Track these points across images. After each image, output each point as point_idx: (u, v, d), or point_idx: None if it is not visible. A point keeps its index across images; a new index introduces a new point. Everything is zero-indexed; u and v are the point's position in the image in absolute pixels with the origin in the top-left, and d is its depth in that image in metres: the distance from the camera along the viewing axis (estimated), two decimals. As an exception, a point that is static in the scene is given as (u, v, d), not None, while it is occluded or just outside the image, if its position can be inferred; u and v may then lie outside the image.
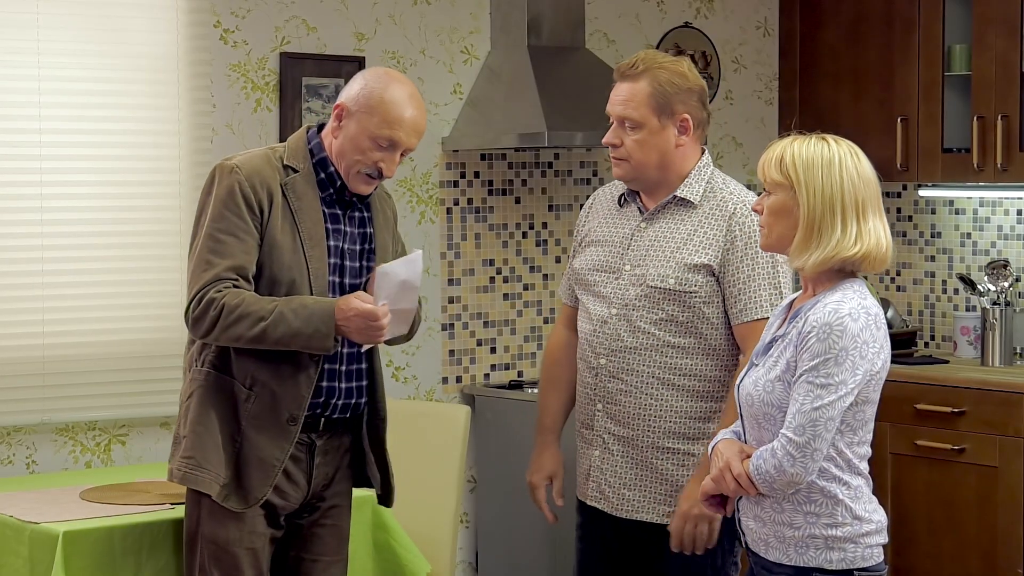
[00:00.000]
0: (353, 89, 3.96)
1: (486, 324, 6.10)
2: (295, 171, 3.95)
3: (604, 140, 4.07)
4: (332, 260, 3.96)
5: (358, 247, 4.02)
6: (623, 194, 4.15)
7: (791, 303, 3.53)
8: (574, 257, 4.24)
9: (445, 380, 6.02)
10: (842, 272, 3.39)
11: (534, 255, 6.20)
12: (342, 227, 3.99)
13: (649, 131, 4.00)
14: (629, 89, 4.01)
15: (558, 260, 6.25)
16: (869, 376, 3.34)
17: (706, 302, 3.98)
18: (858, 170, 3.40)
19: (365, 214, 4.05)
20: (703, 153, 4.10)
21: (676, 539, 3.92)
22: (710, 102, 6.52)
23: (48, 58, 5.11)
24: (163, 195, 5.27)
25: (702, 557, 3.94)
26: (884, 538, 3.45)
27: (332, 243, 3.96)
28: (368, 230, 4.05)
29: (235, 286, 3.83)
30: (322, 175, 3.98)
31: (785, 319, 3.48)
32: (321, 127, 4.03)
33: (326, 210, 3.97)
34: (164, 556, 4.26)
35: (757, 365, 3.46)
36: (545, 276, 6.22)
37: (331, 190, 3.98)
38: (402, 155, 3.95)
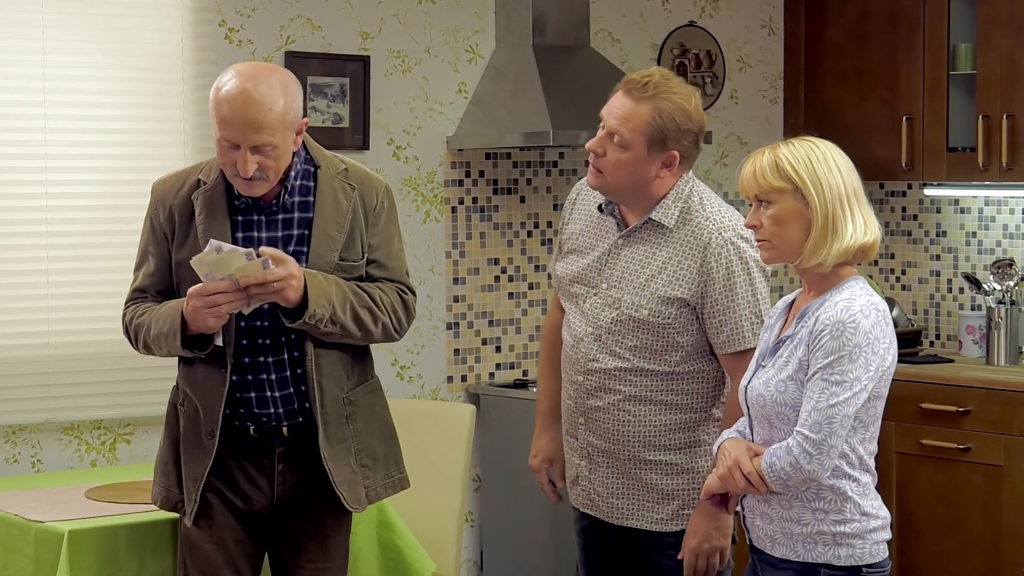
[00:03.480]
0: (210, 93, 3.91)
1: (491, 323, 6.10)
2: (205, 184, 3.96)
3: (588, 145, 3.97)
4: None
5: (281, 250, 3.90)
6: (601, 204, 4.07)
7: (791, 303, 3.53)
8: (557, 257, 4.20)
9: (450, 379, 6.02)
10: (840, 267, 3.40)
11: (539, 254, 6.20)
12: (256, 234, 3.93)
13: (634, 156, 3.91)
14: (631, 108, 3.91)
15: (563, 259, 6.25)
16: (881, 372, 3.35)
17: (680, 332, 3.95)
18: (846, 161, 3.43)
19: (297, 214, 3.95)
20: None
21: (689, 573, 3.91)
22: (715, 102, 6.57)
23: (53, 57, 5.11)
24: (168, 194, 5.27)
25: None
26: (889, 534, 3.46)
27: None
28: (296, 231, 3.95)
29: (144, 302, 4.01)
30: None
31: (787, 319, 3.48)
32: None
33: (240, 218, 3.94)
34: (168, 555, 4.27)
35: (765, 366, 3.46)
36: (550, 275, 6.22)
37: (245, 197, 3.94)
38: (257, 150, 3.81)
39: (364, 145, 5.70)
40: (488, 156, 6.07)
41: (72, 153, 5.17)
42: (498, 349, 6.12)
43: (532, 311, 6.19)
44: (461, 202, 6.00)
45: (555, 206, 6.22)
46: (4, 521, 4.37)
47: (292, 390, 3.95)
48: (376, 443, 4.09)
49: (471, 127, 5.93)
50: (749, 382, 3.49)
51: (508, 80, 5.94)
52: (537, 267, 6.19)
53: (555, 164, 6.23)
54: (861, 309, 3.32)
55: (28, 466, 5.13)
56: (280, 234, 3.94)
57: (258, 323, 3.92)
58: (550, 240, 6.21)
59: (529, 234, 6.17)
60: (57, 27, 5.11)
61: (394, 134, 5.84)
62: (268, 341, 3.93)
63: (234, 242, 3.88)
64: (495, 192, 6.09)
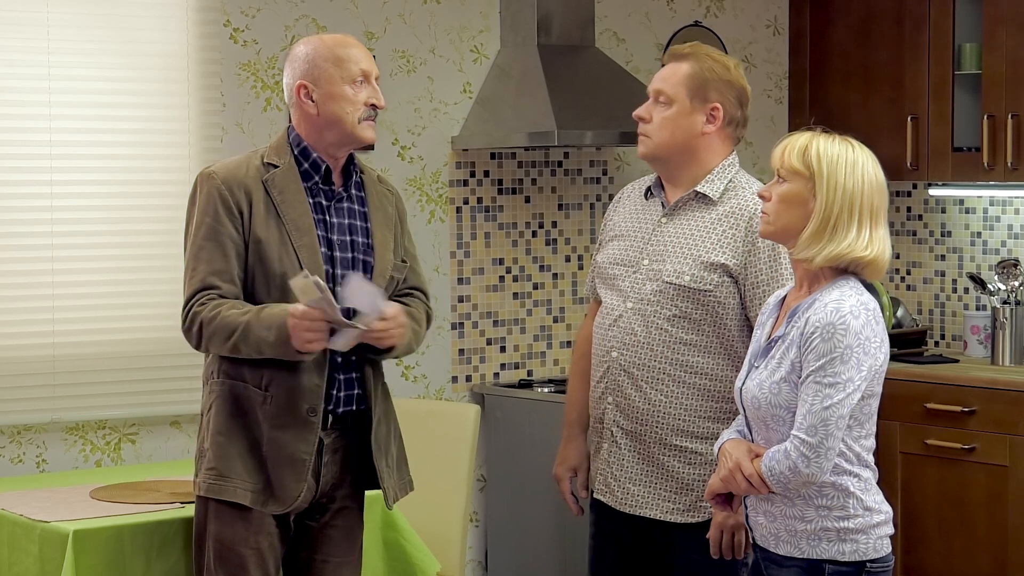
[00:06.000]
0: (299, 67, 3.99)
1: (496, 323, 6.10)
2: (275, 166, 3.97)
3: (635, 113, 4.10)
4: (322, 250, 3.96)
5: (348, 238, 4.00)
6: (650, 187, 4.16)
7: (782, 300, 3.54)
8: (598, 251, 4.25)
9: (455, 379, 6.02)
10: (838, 269, 3.40)
11: (544, 254, 6.20)
12: (328, 218, 3.99)
13: (678, 110, 4.03)
14: (672, 67, 4.08)
15: (568, 259, 6.25)
16: (873, 371, 3.36)
17: (721, 302, 3.98)
18: (877, 177, 3.42)
19: (357, 207, 4.05)
20: (732, 152, 4.11)
21: (715, 548, 3.90)
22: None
23: (58, 57, 5.11)
24: (173, 194, 5.27)
25: (712, 557, 3.94)
26: (891, 529, 3.47)
27: (320, 233, 3.96)
28: (359, 223, 4.04)
29: (220, 295, 3.90)
30: (305, 165, 4.00)
31: (778, 317, 3.49)
32: None
33: (312, 200, 3.98)
34: (174, 555, 4.26)
35: (758, 367, 3.46)
36: (555, 275, 6.22)
37: (316, 178, 4.00)
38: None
39: (369, 145, 5.69)
40: (493, 156, 6.07)
41: (76, 153, 5.17)
42: (503, 349, 6.12)
43: (537, 311, 6.19)
44: (466, 202, 6.00)
45: (560, 206, 6.23)
46: (9, 521, 4.37)
47: (353, 375, 3.98)
48: (393, 444, 4.12)
49: (476, 127, 5.93)
50: (743, 383, 3.49)
51: (513, 80, 5.95)
52: (542, 267, 6.19)
53: (560, 164, 6.23)
54: (851, 310, 3.33)
55: (33, 466, 5.13)
56: (347, 221, 4.02)
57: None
58: (555, 240, 6.21)
59: (534, 234, 6.17)
60: (62, 27, 5.11)
61: (399, 134, 5.84)
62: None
63: (315, 224, 3.95)
64: (500, 192, 6.09)
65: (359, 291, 3.86)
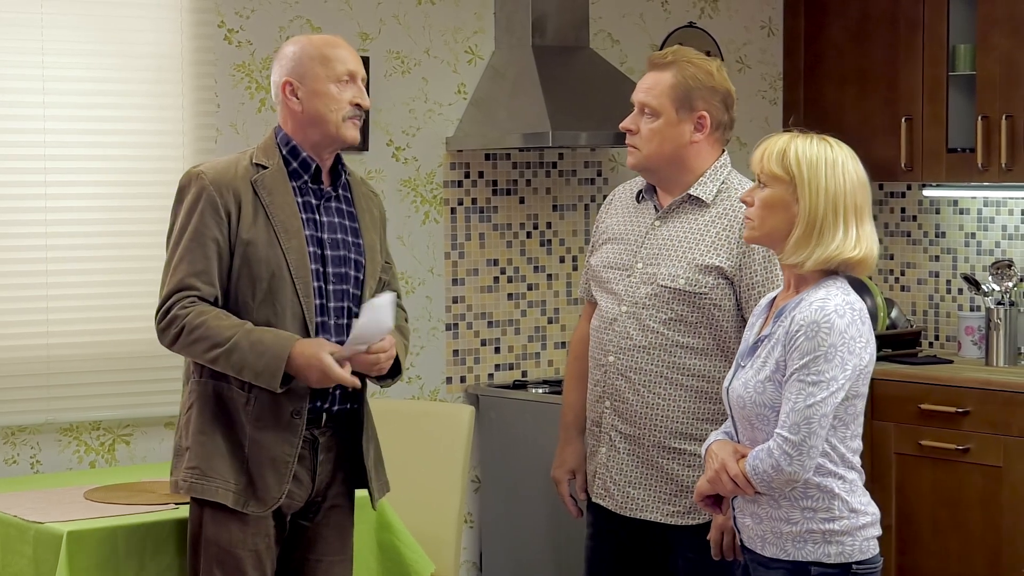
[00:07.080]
0: (286, 65, 4.01)
1: (490, 324, 6.10)
2: (264, 167, 3.98)
3: (621, 125, 4.09)
4: (312, 249, 3.96)
5: (339, 237, 4.02)
6: (641, 190, 4.16)
7: (772, 301, 3.54)
8: (591, 254, 4.25)
9: (449, 380, 6.02)
10: (826, 271, 3.40)
11: (538, 255, 6.20)
12: (317, 217, 4.00)
13: (665, 122, 4.02)
14: (654, 78, 4.05)
15: (562, 260, 6.25)
16: (858, 371, 3.36)
17: (716, 304, 3.98)
18: (858, 174, 3.42)
19: (345, 207, 4.06)
20: (722, 154, 4.11)
21: (716, 550, 3.90)
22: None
23: (52, 58, 5.11)
24: (167, 195, 5.19)
25: (710, 558, 3.94)
26: (878, 531, 3.47)
27: (309, 233, 3.97)
28: (348, 223, 4.05)
29: (199, 297, 3.89)
30: (294, 165, 4.01)
31: (767, 318, 3.50)
32: None
33: (300, 200, 3.99)
34: (168, 556, 4.26)
35: (744, 367, 3.47)
36: (549, 276, 6.22)
37: (305, 178, 4.01)
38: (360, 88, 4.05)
39: (363, 146, 5.70)
40: (487, 157, 6.07)
41: (71, 154, 5.16)
42: (497, 350, 6.12)
43: (531, 312, 6.19)
44: (460, 203, 6.00)
45: (555, 207, 6.23)
46: (3, 522, 4.37)
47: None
48: (372, 445, 4.12)
49: (470, 128, 5.93)
50: (730, 383, 3.49)
51: (507, 81, 5.95)
52: (536, 268, 6.19)
53: (555, 165, 6.23)
54: (836, 309, 3.33)
55: (27, 467, 5.13)
56: (337, 220, 4.03)
57: (328, 303, 3.98)
58: (549, 241, 6.21)
59: (528, 235, 6.17)
60: (56, 28, 5.11)
61: (393, 135, 5.84)
62: (340, 322, 3.99)
63: (305, 224, 3.97)
64: (494, 193, 6.09)
65: (384, 314, 3.88)
